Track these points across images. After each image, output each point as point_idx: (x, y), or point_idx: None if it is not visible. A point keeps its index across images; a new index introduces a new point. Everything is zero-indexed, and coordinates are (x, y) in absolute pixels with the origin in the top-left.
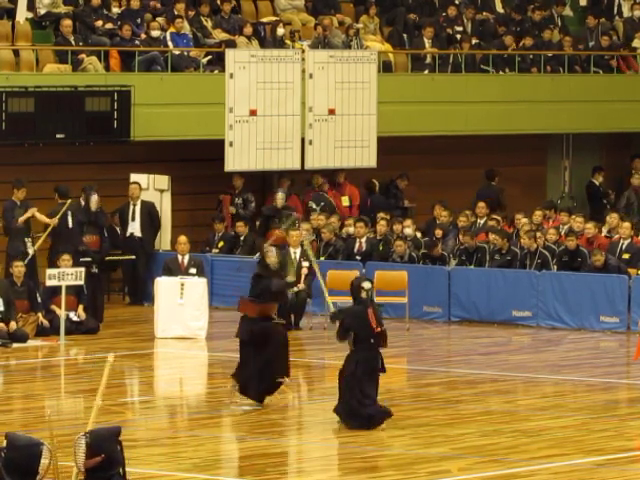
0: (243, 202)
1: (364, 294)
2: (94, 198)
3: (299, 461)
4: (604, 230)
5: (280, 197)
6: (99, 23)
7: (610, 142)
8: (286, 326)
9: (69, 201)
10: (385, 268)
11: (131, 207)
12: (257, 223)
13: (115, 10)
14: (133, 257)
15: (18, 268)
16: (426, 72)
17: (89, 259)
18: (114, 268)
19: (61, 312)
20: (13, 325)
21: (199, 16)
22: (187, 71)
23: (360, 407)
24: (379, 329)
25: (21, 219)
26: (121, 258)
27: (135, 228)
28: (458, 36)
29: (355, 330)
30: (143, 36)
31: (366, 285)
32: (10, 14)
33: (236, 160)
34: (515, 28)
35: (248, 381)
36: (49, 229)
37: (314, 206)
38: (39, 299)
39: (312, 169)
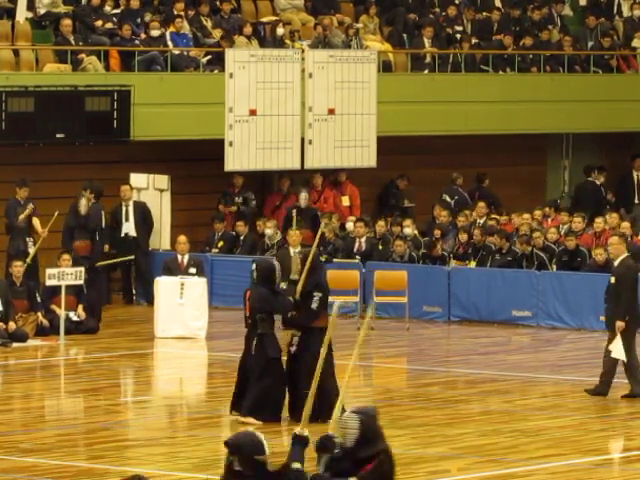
0: (244, 200)
1: (252, 274)
2: (82, 202)
3: None
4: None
5: (303, 197)
6: (99, 23)
7: (610, 142)
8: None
9: (56, 213)
10: (385, 268)
11: (124, 208)
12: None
13: (107, 9)
14: (132, 257)
15: (17, 268)
16: (426, 72)
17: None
18: (114, 268)
19: (61, 312)
20: (12, 325)
21: (199, 16)
22: (187, 71)
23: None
24: (248, 312)
25: (21, 217)
26: (117, 261)
27: (130, 228)
28: (458, 36)
29: None
30: (143, 36)
31: (252, 266)
32: (10, 14)
33: (236, 160)
34: (515, 28)
35: None
36: (54, 216)
37: (448, 199)
38: (39, 299)
39: (312, 169)
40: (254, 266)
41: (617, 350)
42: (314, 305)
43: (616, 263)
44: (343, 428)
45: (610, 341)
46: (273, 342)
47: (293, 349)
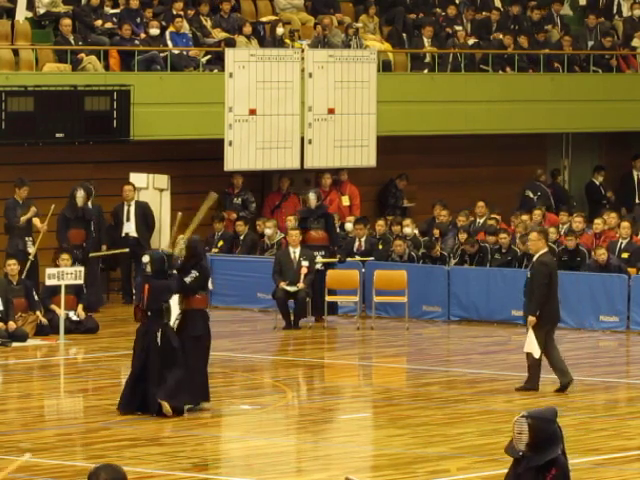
0: (242, 202)
1: (146, 268)
2: (79, 194)
3: (298, 461)
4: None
5: (312, 197)
6: (98, 22)
7: (610, 142)
8: (287, 325)
9: (53, 206)
10: (385, 268)
11: (125, 208)
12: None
13: (107, 9)
14: (125, 250)
15: (11, 266)
16: (425, 71)
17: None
18: (113, 267)
19: (60, 311)
20: (12, 325)
21: (198, 15)
22: (186, 70)
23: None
24: (140, 305)
25: (23, 219)
26: (109, 253)
27: (130, 228)
28: (457, 35)
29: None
30: (142, 35)
31: (143, 259)
32: (10, 13)
33: (235, 159)
34: (514, 27)
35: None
36: (51, 209)
37: (531, 195)
38: (36, 297)
39: (311, 168)
40: (148, 259)
41: (529, 344)
42: (187, 279)
43: (534, 258)
44: (515, 433)
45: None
46: (174, 332)
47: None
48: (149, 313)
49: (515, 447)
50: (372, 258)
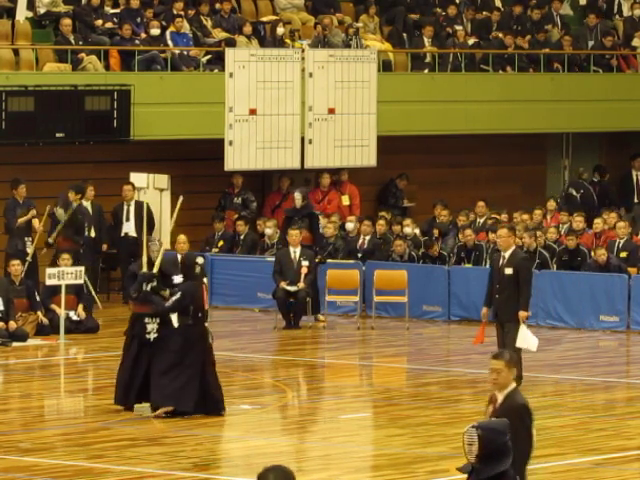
0: (243, 202)
1: (198, 269)
2: (59, 202)
3: (298, 461)
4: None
5: (297, 197)
6: (99, 22)
7: (610, 142)
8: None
9: (48, 207)
10: (385, 267)
11: (125, 207)
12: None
13: (107, 9)
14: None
15: (15, 267)
16: (426, 71)
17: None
18: (113, 267)
19: (61, 311)
20: (13, 325)
21: (199, 15)
22: (187, 70)
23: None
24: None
25: (20, 221)
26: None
27: (130, 228)
28: (457, 35)
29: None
30: (143, 35)
31: (199, 260)
32: (10, 13)
33: (236, 159)
34: (515, 27)
35: None
36: (46, 212)
37: (574, 193)
38: (37, 298)
39: (312, 168)
40: (203, 260)
41: (524, 340)
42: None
43: (507, 255)
44: (466, 443)
45: (499, 334)
46: None
47: (152, 336)
48: (200, 314)
49: (467, 460)
50: (357, 261)
